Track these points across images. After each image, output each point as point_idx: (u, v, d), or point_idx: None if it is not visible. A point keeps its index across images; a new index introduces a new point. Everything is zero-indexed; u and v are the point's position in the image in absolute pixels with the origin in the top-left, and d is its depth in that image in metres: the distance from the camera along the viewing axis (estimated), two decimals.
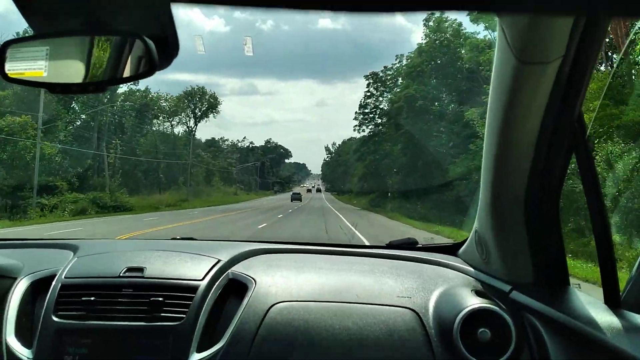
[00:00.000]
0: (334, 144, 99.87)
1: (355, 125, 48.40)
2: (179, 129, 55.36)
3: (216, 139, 67.60)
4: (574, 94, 1.26)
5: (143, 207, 31.10)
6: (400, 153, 32.12)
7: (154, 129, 47.25)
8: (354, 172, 56.79)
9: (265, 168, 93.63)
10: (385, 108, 40.24)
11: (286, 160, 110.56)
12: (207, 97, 55.94)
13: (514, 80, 1.25)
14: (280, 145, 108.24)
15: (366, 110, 45.76)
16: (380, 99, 41.46)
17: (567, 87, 1.24)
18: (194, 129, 57.07)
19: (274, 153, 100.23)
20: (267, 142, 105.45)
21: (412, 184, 28.31)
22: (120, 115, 41.69)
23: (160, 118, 49.69)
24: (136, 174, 40.47)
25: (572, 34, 1.14)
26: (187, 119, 57.55)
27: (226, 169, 61.45)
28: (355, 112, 48.12)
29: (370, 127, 45.64)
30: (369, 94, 41.01)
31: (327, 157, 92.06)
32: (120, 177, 36.72)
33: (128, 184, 35.82)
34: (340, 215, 24.73)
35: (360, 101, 45.04)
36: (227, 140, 74.02)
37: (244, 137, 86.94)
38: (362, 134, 50.69)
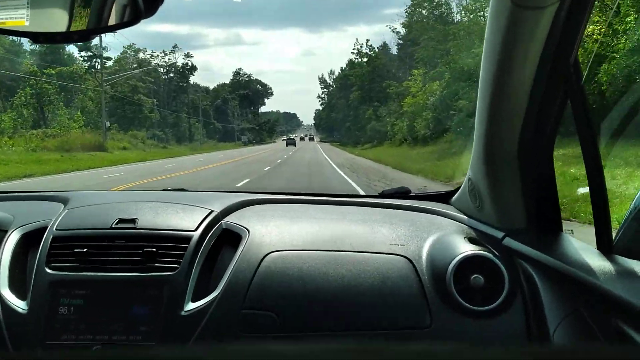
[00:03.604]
0: (331, 72, 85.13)
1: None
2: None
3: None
4: (570, 39, 1.24)
5: None
6: None
7: None
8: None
9: (231, 109, 70.98)
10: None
11: (266, 100, 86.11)
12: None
13: (510, 25, 1.23)
14: (255, 79, 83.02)
15: None
16: None
17: (563, 33, 1.23)
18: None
19: (246, 89, 76.90)
20: (237, 73, 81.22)
21: None
22: None
23: None
24: None
25: None
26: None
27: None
28: None
29: None
30: None
31: (323, 93, 77.29)
32: None
33: None
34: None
35: None
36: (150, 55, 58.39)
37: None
38: None
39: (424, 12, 37.01)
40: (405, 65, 45.05)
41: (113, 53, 51.86)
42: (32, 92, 36.86)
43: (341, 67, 72.49)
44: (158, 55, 59.72)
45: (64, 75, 40.57)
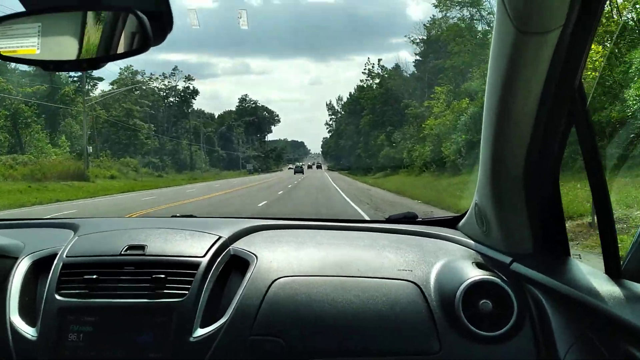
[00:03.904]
0: (339, 99, 75.79)
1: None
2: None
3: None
4: (574, 64, 1.25)
5: None
6: None
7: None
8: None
9: (236, 136, 67.49)
10: None
11: (273, 128, 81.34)
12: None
13: (514, 50, 1.23)
14: (262, 106, 77.91)
15: None
16: None
17: (566, 58, 1.23)
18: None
19: (252, 115, 73.07)
20: (243, 100, 76.05)
21: None
22: None
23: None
24: None
25: (572, 3, 1.13)
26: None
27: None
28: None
29: None
30: None
31: (330, 120, 72.83)
32: None
33: None
34: None
35: None
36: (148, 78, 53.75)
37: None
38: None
39: (456, 13, 34.17)
40: (424, 84, 41.35)
41: (109, 76, 48.33)
42: (8, 114, 33.55)
43: (350, 93, 68.17)
44: (157, 78, 56.39)
45: (45, 95, 37.36)
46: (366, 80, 53.80)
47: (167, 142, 53.76)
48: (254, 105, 76.79)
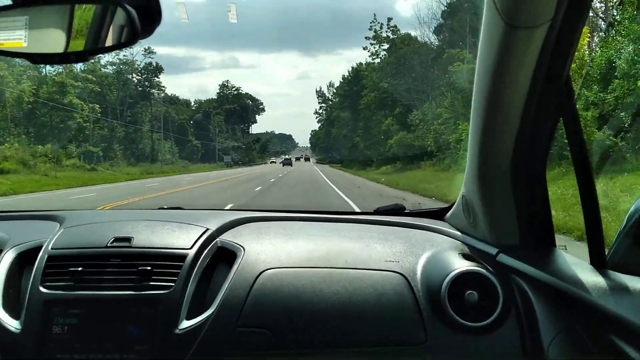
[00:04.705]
0: (330, 85, 69.70)
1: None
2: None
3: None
4: (562, 58, 1.26)
5: None
6: None
7: None
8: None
9: (214, 125, 60.13)
10: None
11: (258, 117, 73.78)
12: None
13: (502, 44, 1.24)
14: (245, 93, 70.34)
15: None
16: None
17: (554, 51, 1.24)
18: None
19: (233, 103, 65.71)
20: (223, 86, 67.92)
21: None
22: None
23: None
24: None
25: None
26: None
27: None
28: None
29: None
30: None
31: (320, 108, 66.27)
32: None
33: None
34: None
35: None
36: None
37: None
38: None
39: None
40: (460, 39, 30.42)
41: None
42: None
43: (343, 76, 58.37)
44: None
45: None
46: (371, 46, 43.56)
47: (119, 127, 45.48)
48: (236, 92, 69.17)
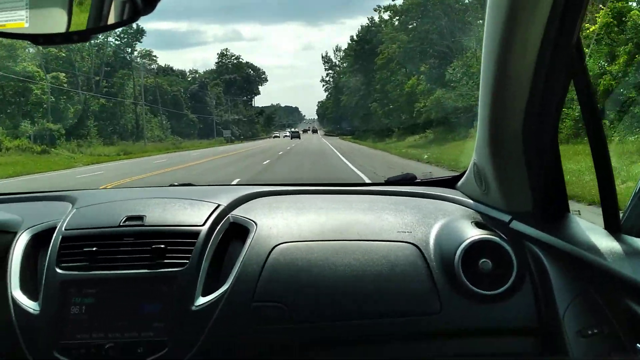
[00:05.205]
0: (337, 49, 62.14)
1: None
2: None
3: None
4: (572, 20, 1.24)
5: None
6: None
7: None
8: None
9: (211, 97, 54.14)
10: None
11: (261, 88, 67.29)
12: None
13: (511, 8, 1.22)
14: (246, 62, 63.37)
15: None
16: None
17: (564, 14, 1.22)
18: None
19: (233, 73, 59.87)
20: (222, 55, 61.02)
21: None
22: None
23: None
24: None
25: None
26: None
27: None
28: None
29: None
30: None
31: (327, 76, 60.95)
32: None
33: None
34: None
35: None
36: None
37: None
38: None
39: None
40: None
41: None
42: None
43: (351, 36, 52.23)
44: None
45: None
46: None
47: (92, 100, 38.30)
48: (235, 61, 62.37)
